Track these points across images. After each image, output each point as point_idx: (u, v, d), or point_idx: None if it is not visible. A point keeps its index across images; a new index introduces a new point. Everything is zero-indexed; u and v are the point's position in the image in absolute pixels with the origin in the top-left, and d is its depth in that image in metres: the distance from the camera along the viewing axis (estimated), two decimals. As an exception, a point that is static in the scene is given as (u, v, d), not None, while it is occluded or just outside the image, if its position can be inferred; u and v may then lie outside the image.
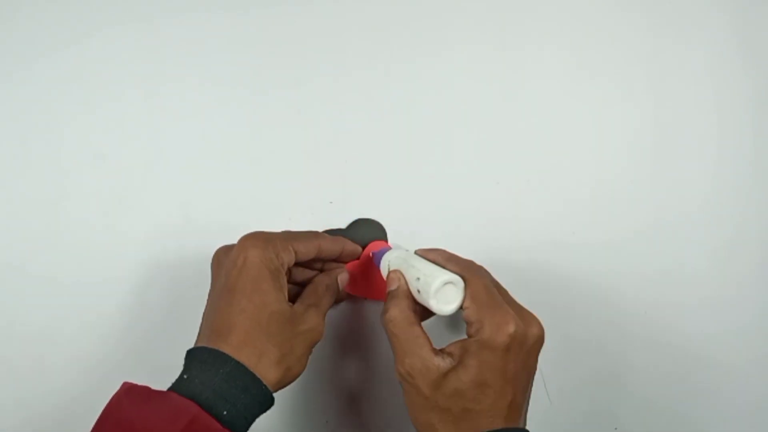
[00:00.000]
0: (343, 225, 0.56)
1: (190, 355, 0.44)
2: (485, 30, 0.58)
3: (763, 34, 0.60)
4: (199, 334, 0.46)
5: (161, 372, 0.54)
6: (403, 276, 0.48)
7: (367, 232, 0.56)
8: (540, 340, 0.46)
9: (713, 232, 0.58)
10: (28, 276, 0.55)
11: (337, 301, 0.54)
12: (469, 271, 0.47)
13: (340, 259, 0.53)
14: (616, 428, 0.58)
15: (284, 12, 0.57)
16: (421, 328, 0.46)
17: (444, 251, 0.50)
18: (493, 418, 0.44)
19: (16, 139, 0.55)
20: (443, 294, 0.45)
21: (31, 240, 0.55)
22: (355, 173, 0.57)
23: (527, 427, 0.46)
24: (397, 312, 0.46)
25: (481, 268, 0.48)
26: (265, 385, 0.43)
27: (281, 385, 0.45)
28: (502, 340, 0.43)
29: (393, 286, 0.48)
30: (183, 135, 0.56)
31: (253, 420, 0.43)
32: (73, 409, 0.54)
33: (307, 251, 0.49)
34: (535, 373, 0.47)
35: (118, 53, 0.56)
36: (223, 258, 0.48)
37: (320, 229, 0.56)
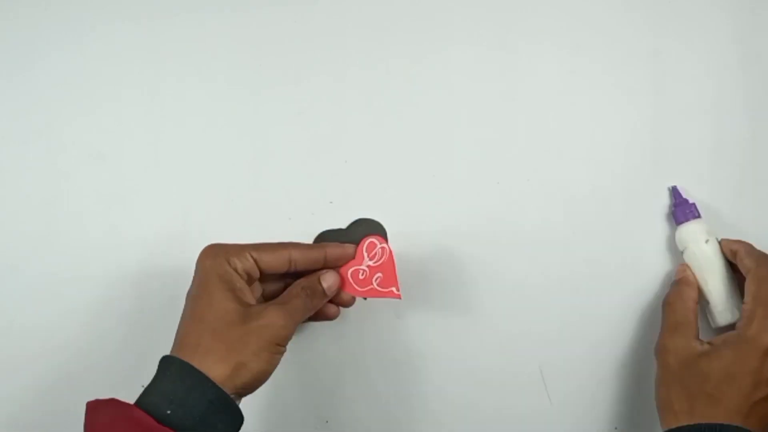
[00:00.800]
0: (343, 225, 0.56)
1: (158, 366, 0.45)
2: (485, 30, 0.58)
3: (763, 35, 0.60)
4: None
5: (161, 372, 0.54)
6: (691, 271, 0.53)
7: (367, 232, 0.56)
8: None
9: (712, 233, 0.58)
10: (26, 276, 0.55)
11: (343, 304, 0.53)
12: (764, 264, 0.49)
13: (328, 266, 0.51)
14: (616, 428, 0.58)
15: (284, 12, 0.57)
16: (695, 317, 0.50)
17: (747, 245, 0.52)
18: (732, 414, 0.44)
19: (16, 139, 0.55)
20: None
21: (30, 241, 0.55)
22: (355, 173, 0.57)
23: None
24: (679, 300, 0.50)
25: None
26: (212, 382, 0.43)
27: (238, 382, 0.44)
28: (764, 341, 0.45)
29: (680, 276, 0.53)
30: (183, 135, 0.56)
31: (206, 419, 0.43)
32: (72, 411, 0.54)
33: (274, 261, 0.48)
34: None
35: (118, 53, 0.56)
36: None
37: (320, 229, 0.56)
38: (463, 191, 0.57)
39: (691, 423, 0.44)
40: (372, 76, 0.57)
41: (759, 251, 0.51)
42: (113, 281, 0.55)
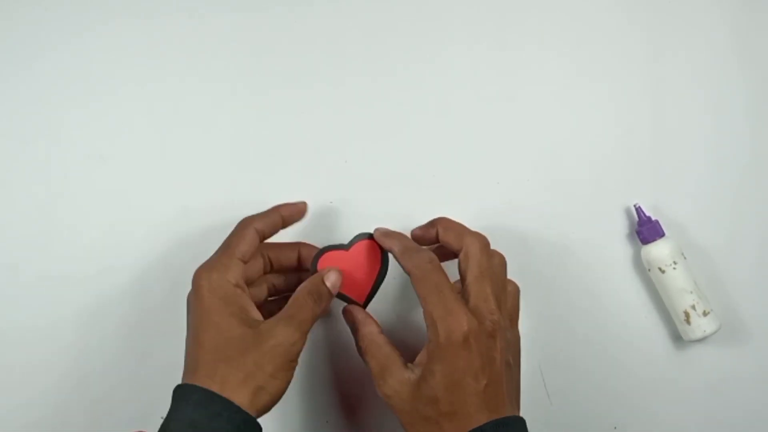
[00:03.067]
0: (344, 223, 0.56)
1: (173, 395, 0.45)
2: (485, 30, 0.58)
3: (761, 40, 0.60)
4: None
5: (160, 373, 0.54)
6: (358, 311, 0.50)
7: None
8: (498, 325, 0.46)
9: (711, 234, 0.58)
10: (25, 277, 0.55)
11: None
12: (419, 269, 0.47)
13: (286, 225, 0.54)
14: (615, 428, 0.58)
15: (284, 13, 0.57)
16: (391, 346, 0.47)
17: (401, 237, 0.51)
18: (471, 416, 0.44)
19: (16, 138, 0.56)
20: None
21: (30, 241, 0.55)
22: (355, 173, 0.57)
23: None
24: (371, 344, 0.48)
25: (429, 260, 0.48)
26: (237, 407, 0.43)
27: (260, 405, 0.44)
28: (457, 339, 0.44)
29: (353, 320, 0.50)
30: (183, 136, 0.56)
31: None
32: (72, 412, 0.55)
33: (251, 247, 0.49)
34: (505, 354, 0.46)
35: (118, 53, 0.56)
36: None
37: (320, 229, 0.56)
38: (463, 191, 0.57)
39: None
40: (372, 76, 0.57)
41: (410, 246, 0.49)
42: (113, 281, 0.55)
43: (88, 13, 0.56)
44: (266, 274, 0.53)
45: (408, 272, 0.47)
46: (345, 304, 0.52)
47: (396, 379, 0.46)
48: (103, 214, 0.55)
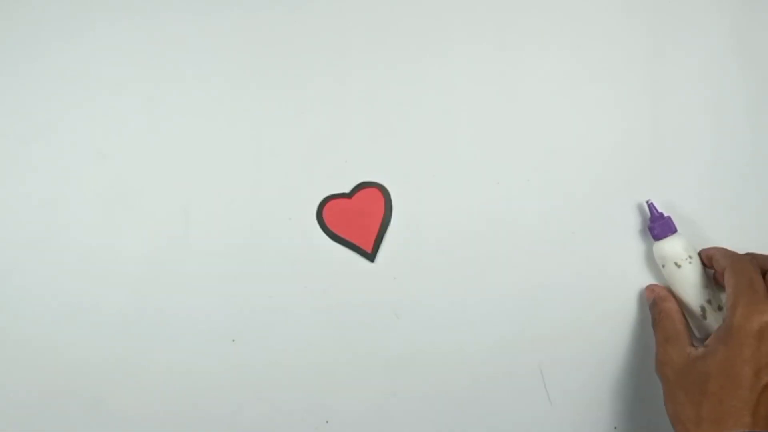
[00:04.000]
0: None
1: None
2: (486, 30, 0.58)
3: (761, 39, 0.60)
4: None
5: (161, 372, 0.54)
6: (660, 288, 0.54)
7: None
8: None
9: (710, 234, 0.58)
10: (26, 276, 0.55)
11: None
12: (739, 260, 0.49)
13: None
14: (615, 428, 0.58)
15: (285, 12, 0.57)
16: (685, 326, 0.50)
17: (722, 249, 0.52)
18: (739, 410, 0.42)
19: (16, 138, 0.56)
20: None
21: (30, 241, 0.55)
22: (355, 173, 0.57)
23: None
24: (666, 318, 0.51)
25: (749, 260, 0.49)
26: None
27: None
28: (752, 326, 0.43)
29: (654, 296, 0.54)
30: (184, 135, 0.56)
31: None
32: (73, 412, 0.55)
33: None
34: None
35: (118, 53, 0.56)
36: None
37: (320, 229, 0.56)
38: (463, 191, 0.57)
39: None
40: (372, 76, 0.57)
41: (733, 251, 0.52)
42: (113, 281, 0.55)
43: (88, 13, 0.56)
44: None
45: (727, 265, 0.49)
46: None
47: (676, 351, 0.47)
48: (102, 214, 0.55)
